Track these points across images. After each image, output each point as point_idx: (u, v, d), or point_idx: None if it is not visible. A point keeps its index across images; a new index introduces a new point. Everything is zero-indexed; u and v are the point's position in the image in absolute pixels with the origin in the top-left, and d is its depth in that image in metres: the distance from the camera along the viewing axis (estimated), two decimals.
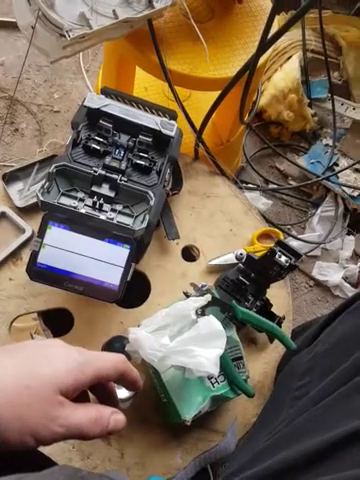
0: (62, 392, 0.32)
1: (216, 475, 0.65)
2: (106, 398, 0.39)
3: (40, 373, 0.32)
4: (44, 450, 0.42)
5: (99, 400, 0.39)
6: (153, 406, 0.59)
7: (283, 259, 0.61)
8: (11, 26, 1.23)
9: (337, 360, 0.49)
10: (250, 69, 0.57)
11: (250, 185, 1.17)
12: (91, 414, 0.34)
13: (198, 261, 0.71)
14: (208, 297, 0.56)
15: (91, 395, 0.39)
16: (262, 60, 0.64)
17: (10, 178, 0.68)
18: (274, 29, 0.56)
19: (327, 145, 1.25)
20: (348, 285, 1.12)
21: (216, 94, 0.68)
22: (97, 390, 0.38)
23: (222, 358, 0.51)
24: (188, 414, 0.52)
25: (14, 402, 0.30)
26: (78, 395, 0.34)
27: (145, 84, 0.94)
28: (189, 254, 0.73)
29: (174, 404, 0.53)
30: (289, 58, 1.24)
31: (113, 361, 0.36)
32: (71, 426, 0.32)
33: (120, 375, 0.37)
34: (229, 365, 0.56)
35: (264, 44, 0.52)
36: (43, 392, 0.31)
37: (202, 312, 0.57)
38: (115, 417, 0.35)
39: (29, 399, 0.31)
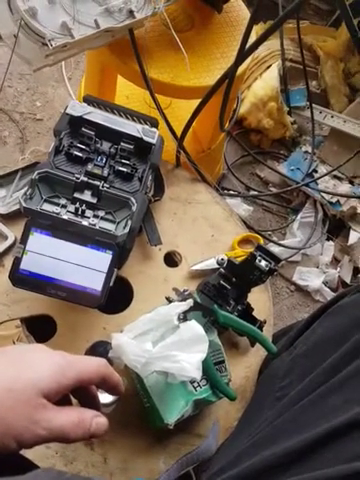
0: (45, 395, 0.32)
1: (198, 478, 0.65)
2: (88, 402, 0.39)
3: (23, 377, 0.32)
4: (27, 455, 0.42)
5: (81, 404, 0.39)
6: (136, 411, 0.59)
7: (263, 263, 0.62)
8: None
9: (316, 361, 0.51)
10: (229, 78, 0.58)
11: (231, 192, 1.19)
12: (73, 417, 0.34)
13: (180, 266, 0.72)
14: (190, 302, 0.57)
15: (73, 399, 0.39)
16: (241, 69, 0.66)
17: None
18: (253, 38, 0.58)
19: (306, 152, 1.28)
20: (328, 290, 1.14)
21: (197, 102, 0.70)
22: (79, 394, 0.38)
23: (204, 362, 0.52)
24: (171, 418, 0.53)
25: None
26: (60, 398, 0.34)
27: (126, 92, 0.96)
28: (171, 260, 0.73)
29: (157, 408, 0.53)
30: (268, 67, 1.27)
31: (95, 365, 0.37)
32: (54, 429, 0.32)
33: (102, 379, 0.37)
34: (211, 369, 0.57)
35: (243, 54, 0.54)
36: (26, 395, 0.31)
37: (184, 317, 0.57)
38: (97, 420, 0.35)
39: (12, 402, 0.31)
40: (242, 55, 0.54)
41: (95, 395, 0.40)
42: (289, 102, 1.28)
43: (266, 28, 0.54)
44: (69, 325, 0.63)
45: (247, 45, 0.56)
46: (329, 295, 1.14)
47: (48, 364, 0.34)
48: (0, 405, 0.31)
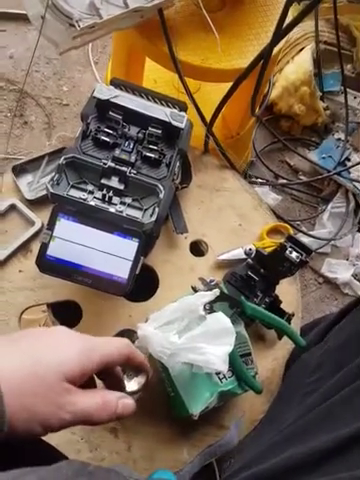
0: (68, 379, 0.32)
1: (221, 470, 0.65)
2: (113, 384, 0.39)
3: (45, 360, 0.32)
4: (52, 441, 0.42)
5: (106, 386, 0.39)
6: (161, 400, 0.59)
7: (294, 255, 0.60)
8: (21, 18, 1.22)
9: (348, 356, 0.49)
10: (264, 59, 0.55)
11: (259, 180, 1.16)
12: (98, 400, 0.33)
13: (206, 256, 0.70)
14: (216, 292, 0.56)
15: (98, 382, 0.39)
16: (275, 51, 0.62)
17: (20, 170, 0.68)
18: (288, 19, 0.54)
19: (339, 139, 1.23)
20: (358, 283, 1.10)
21: (226, 86, 0.67)
22: (104, 376, 0.38)
23: (230, 354, 0.51)
24: (195, 409, 0.52)
25: (20, 391, 0.30)
26: (85, 381, 0.34)
27: (154, 76, 0.93)
28: (197, 249, 0.72)
29: (182, 398, 0.53)
30: (301, 50, 1.22)
31: (118, 346, 0.36)
32: (78, 412, 0.32)
33: (126, 359, 0.37)
34: (237, 361, 0.56)
35: (279, 34, 0.51)
36: (49, 380, 0.31)
37: (210, 308, 0.56)
38: (123, 401, 0.35)
39: (35, 387, 0.30)
40: (278, 35, 0.51)
41: (120, 377, 0.40)
42: (322, 87, 1.23)
43: (300, 9, 0.51)
44: (95, 312, 0.62)
45: (283, 25, 0.53)
46: (358, 288, 1.10)
47: (72, 347, 0.34)
48: (24, 390, 0.30)
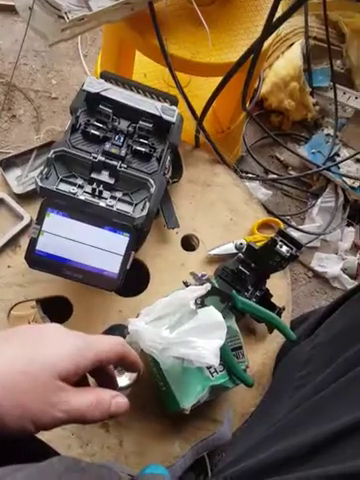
0: (62, 377, 0.31)
1: (213, 464, 0.65)
2: (106, 382, 0.38)
3: (39, 358, 0.31)
4: (43, 437, 0.42)
5: (99, 383, 0.39)
6: (152, 395, 0.59)
7: (284, 249, 0.60)
8: (7, 10, 1.20)
9: (338, 350, 0.49)
10: (254, 53, 0.55)
11: (250, 175, 1.16)
12: (92, 398, 0.33)
13: (197, 250, 0.70)
14: (207, 286, 0.56)
15: (91, 379, 0.38)
16: (265, 45, 0.62)
17: (8, 164, 0.67)
18: (278, 13, 0.54)
19: (328, 135, 1.23)
20: (347, 277, 1.12)
21: (216, 80, 0.67)
22: (96, 373, 0.38)
23: (221, 348, 0.51)
24: (187, 403, 0.52)
25: (13, 388, 0.30)
26: (78, 379, 0.33)
27: (144, 70, 0.93)
28: (189, 243, 0.72)
29: (173, 393, 0.53)
30: (291, 45, 1.22)
31: (112, 344, 0.36)
32: (72, 411, 0.32)
33: (120, 358, 0.36)
34: (228, 355, 0.56)
35: (269, 28, 0.51)
36: (42, 378, 0.31)
37: (201, 302, 0.56)
38: (116, 400, 0.35)
39: (28, 385, 0.30)
40: (269, 29, 0.51)
41: (113, 375, 0.39)
42: (312, 82, 1.23)
43: (291, 3, 0.51)
44: (85, 307, 0.62)
45: (274, 19, 0.53)
46: (348, 282, 1.11)
47: (65, 345, 0.33)
48: (16, 388, 0.30)
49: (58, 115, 1.11)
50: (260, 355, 0.66)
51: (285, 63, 1.19)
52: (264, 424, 0.51)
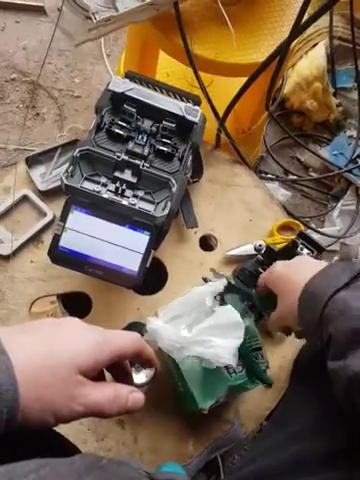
0: (81, 371, 0.32)
1: (225, 466, 0.65)
2: (122, 377, 0.39)
3: (59, 352, 0.32)
4: (60, 430, 0.42)
5: (115, 378, 0.39)
6: (168, 393, 0.59)
7: (305, 252, 0.60)
8: (33, 10, 1.22)
9: None
10: (281, 54, 0.55)
11: (269, 175, 1.15)
12: (109, 393, 0.34)
13: (216, 251, 0.70)
14: (224, 281, 0.55)
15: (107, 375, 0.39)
16: (291, 45, 0.62)
17: (32, 162, 0.68)
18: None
19: (351, 137, 1.22)
20: None
21: (239, 80, 0.67)
22: (113, 369, 0.38)
23: (241, 348, 0.51)
24: (205, 404, 0.52)
25: (34, 381, 0.30)
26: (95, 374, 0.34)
27: (167, 69, 0.93)
28: (207, 243, 0.72)
29: (192, 393, 0.53)
30: (315, 45, 1.20)
31: (130, 340, 0.37)
32: (91, 404, 0.32)
33: (136, 353, 0.37)
34: (248, 355, 0.56)
35: (297, 29, 0.51)
36: (62, 371, 0.31)
37: (221, 299, 0.56)
38: (133, 395, 0.35)
39: (48, 379, 0.31)
40: (297, 30, 0.51)
41: (129, 370, 0.40)
42: (335, 83, 1.21)
43: (319, 4, 0.50)
44: (104, 304, 0.63)
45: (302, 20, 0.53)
46: None
47: (84, 340, 0.34)
48: (37, 381, 0.30)
49: (81, 113, 1.13)
50: (277, 358, 0.65)
51: (308, 63, 1.18)
52: (279, 432, 0.50)
